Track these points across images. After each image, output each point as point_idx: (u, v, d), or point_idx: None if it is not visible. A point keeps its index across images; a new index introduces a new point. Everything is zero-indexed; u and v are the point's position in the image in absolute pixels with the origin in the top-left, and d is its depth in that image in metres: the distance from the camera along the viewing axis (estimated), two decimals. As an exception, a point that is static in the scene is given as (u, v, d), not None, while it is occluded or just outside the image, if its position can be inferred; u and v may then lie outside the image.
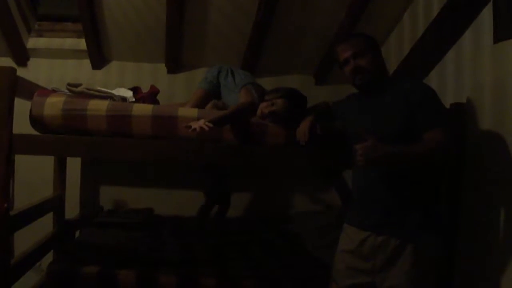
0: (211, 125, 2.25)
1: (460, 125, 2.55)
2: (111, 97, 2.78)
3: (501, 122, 2.29)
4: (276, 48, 3.81)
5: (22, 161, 3.30)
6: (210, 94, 2.93)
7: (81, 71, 3.97)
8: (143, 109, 2.51)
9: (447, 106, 2.52)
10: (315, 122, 2.42)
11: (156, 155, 2.46)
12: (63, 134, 2.46)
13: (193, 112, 2.53)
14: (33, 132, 2.57)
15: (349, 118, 2.30)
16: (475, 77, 2.55)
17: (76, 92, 2.75)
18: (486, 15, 2.49)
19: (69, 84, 2.79)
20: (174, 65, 4.02)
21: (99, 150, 2.44)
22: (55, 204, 3.40)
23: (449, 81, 2.83)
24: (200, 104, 2.86)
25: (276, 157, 2.55)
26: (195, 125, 2.23)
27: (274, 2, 3.33)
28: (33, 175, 3.69)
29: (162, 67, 4.05)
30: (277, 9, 3.40)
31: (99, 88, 2.91)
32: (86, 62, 3.96)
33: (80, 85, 2.82)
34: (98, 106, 2.50)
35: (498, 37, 2.37)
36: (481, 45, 2.52)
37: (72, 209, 3.72)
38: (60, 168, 3.58)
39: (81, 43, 3.86)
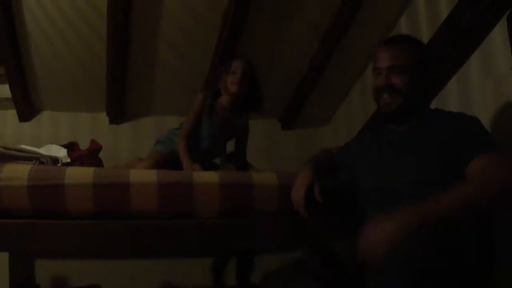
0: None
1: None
2: (37, 158, 2.00)
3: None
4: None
5: None
6: (168, 155, 2.33)
7: (5, 124, 3.32)
8: (81, 174, 1.69)
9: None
10: (314, 183, 1.67)
11: (102, 243, 1.62)
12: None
13: (151, 175, 1.73)
14: None
15: (364, 165, 1.64)
16: (495, 108, 2.00)
17: (-13, 153, 1.95)
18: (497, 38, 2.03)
19: (-22, 142, 1.99)
20: (117, 114, 3.37)
21: (17, 239, 1.58)
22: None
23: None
24: (157, 165, 2.20)
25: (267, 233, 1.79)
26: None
27: (237, 34, 2.68)
28: None
29: (103, 116, 3.41)
30: (240, 42, 2.77)
31: (22, 146, 2.11)
32: (12, 113, 3.27)
33: (-5, 143, 2.04)
34: (15, 173, 1.64)
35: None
36: (494, 72, 2.03)
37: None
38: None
39: (5, 90, 3.15)
